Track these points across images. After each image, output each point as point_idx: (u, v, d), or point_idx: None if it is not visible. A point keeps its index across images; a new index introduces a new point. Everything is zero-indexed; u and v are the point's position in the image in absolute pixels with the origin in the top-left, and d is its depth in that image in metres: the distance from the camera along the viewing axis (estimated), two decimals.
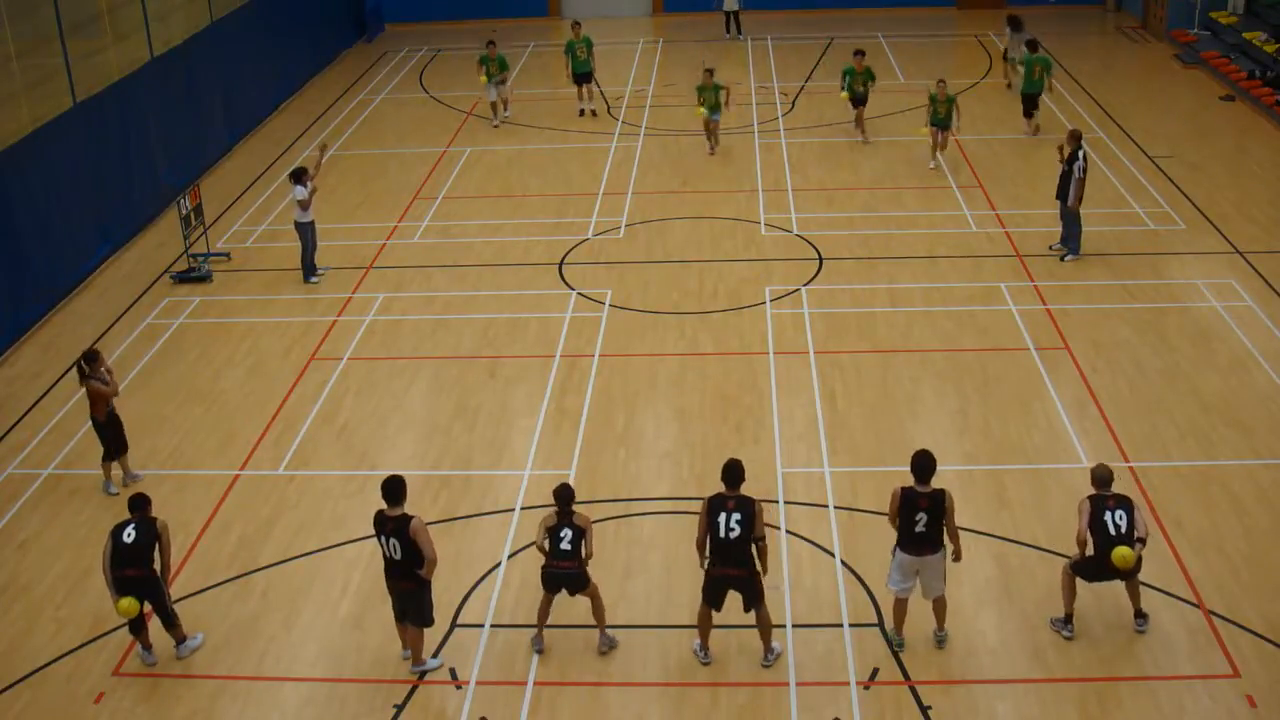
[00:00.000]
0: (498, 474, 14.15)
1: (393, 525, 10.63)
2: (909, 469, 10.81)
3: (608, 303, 18.03)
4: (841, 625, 11.52)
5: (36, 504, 14.00)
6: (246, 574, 12.66)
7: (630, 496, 13.63)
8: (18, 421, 15.72)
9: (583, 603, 11.29)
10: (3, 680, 11.33)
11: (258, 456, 14.70)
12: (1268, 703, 10.46)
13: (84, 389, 13.96)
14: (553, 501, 11.09)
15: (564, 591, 11.08)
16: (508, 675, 11.12)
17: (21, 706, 11.03)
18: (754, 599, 10.82)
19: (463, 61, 28.46)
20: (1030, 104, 24.35)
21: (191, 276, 19.45)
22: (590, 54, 25.93)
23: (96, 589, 12.16)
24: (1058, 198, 18.70)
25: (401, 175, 23.77)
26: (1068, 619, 11.25)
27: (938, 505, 10.69)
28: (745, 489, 10.78)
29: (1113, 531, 10.76)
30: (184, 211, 19.43)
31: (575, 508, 11.09)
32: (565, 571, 10.94)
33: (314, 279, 18.96)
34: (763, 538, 10.66)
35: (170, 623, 11.39)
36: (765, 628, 10.98)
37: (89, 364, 13.83)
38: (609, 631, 11.34)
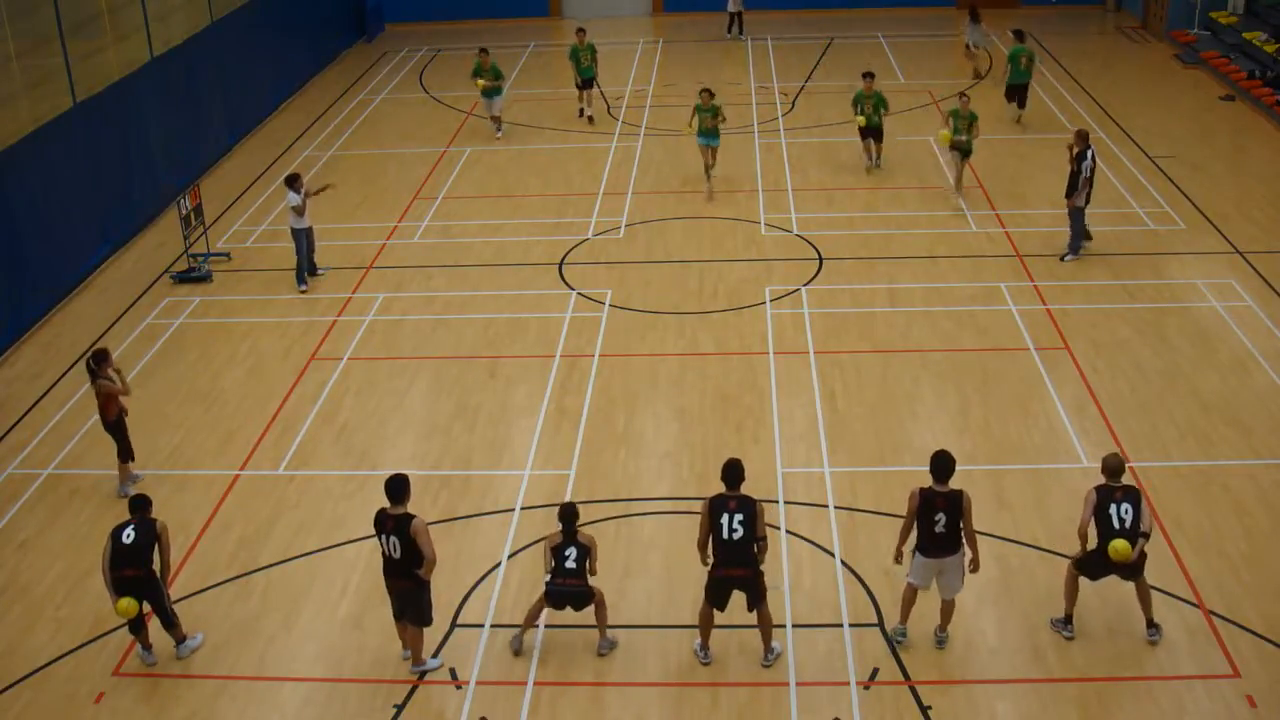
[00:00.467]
0: (498, 474, 14.15)
1: (393, 524, 10.64)
2: (928, 469, 10.79)
3: (608, 303, 18.03)
4: (841, 625, 11.52)
5: (36, 504, 13.99)
6: (246, 574, 12.66)
7: (630, 496, 13.63)
8: (18, 421, 15.72)
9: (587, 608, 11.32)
10: (3, 680, 11.33)
11: (258, 456, 14.70)
12: (1268, 703, 10.46)
13: (94, 389, 13.89)
14: (557, 517, 11.14)
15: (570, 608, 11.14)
16: (508, 675, 11.12)
17: (21, 706, 11.04)
18: (758, 598, 10.83)
19: (462, 61, 28.45)
20: (1016, 93, 24.68)
21: (191, 276, 19.45)
22: (594, 60, 25.88)
23: (96, 589, 12.16)
24: (1067, 197, 18.59)
25: (401, 175, 23.77)
26: (1068, 619, 11.24)
27: (955, 506, 10.67)
28: (745, 489, 10.79)
29: (1116, 525, 10.71)
30: (184, 211, 19.43)
31: (580, 526, 11.14)
32: (571, 589, 10.98)
33: (304, 287, 18.80)
34: (764, 537, 10.67)
35: (170, 623, 11.39)
36: (766, 627, 10.98)
37: (98, 363, 13.78)
38: (609, 634, 11.34)
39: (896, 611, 11.40)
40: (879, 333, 16.90)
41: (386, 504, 10.76)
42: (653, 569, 12.40)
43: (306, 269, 18.98)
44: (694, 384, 15.80)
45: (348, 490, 13.94)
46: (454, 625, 11.72)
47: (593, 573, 11.09)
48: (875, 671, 10.97)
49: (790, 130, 25.37)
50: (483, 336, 17.30)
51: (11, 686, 11.26)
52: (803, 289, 18.19)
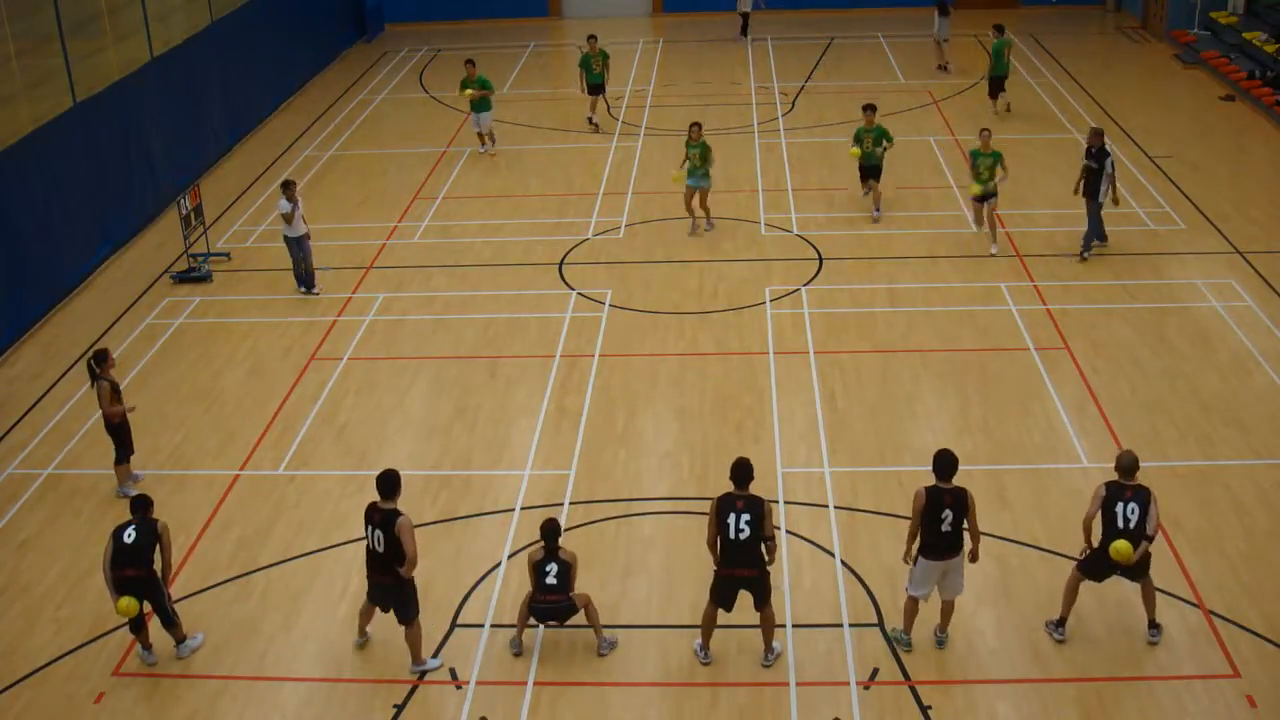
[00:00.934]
0: (498, 474, 14.15)
1: (380, 518, 10.67)
2: (930, 469, 10.78)
3: (608, 303, 18.03)
4: (841, 625, 11.52)
5: (36, 504, 13.99)
6: (246, 574, 12.66)
7: (630, 496, 13.63)
8: (18, 421, 15.72)
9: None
10: (3, 680, 11.33)
11: (258, 456, 14.70)
12: (1268, 703, 10.46)
13: (94, 389, 13.87)
14: (540, 531, 11.17)
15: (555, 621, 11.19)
16: (508, 675, 11.12)
17: (21, 706, 11.04)
18: (764, 598, 10.84)
19: (462, 62, 28.32)
20: (997, 85, 25.46)
21: (191, 276, 19.45)
22: (606, 66, 25.75)
23: (96, 589, 12.16)
24: (1085, 195, 18.51)
25: (401, 175, 23.77)
26: (1061, 622, 11.22)
27: (960, 502, 10.67)
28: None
29: (1121, 524, 10.67)
30: (184, 211, 19.43)
31: (562, 543, 11.19)
32: (552, 605, 11.03)
33: (303, 288, 18.69)
34: (771, 537, 10.66)
35: (170, 623, 11.39)
36: (769, 627, 10.98)
37: (99, 364, 13.78)
38: (607, 632, 11.35)
39: (896, 611, 11.42)
40: (879, 333, 16.90)
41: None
42: (652, 569, 12.39)
43: (301, 282, 18.73)
44: (694, 384, 15.80)
45: (348, 490, 13.94)
46: (454, 625, 11.72)
47: (572, 589, 11.11)
48: (875, 671, 10.97)
49: (790, 130, 25.38)
50: (483, 336, 17.30)
51: (11, 686, 11.26)
52: (803, 289, 18.19)
